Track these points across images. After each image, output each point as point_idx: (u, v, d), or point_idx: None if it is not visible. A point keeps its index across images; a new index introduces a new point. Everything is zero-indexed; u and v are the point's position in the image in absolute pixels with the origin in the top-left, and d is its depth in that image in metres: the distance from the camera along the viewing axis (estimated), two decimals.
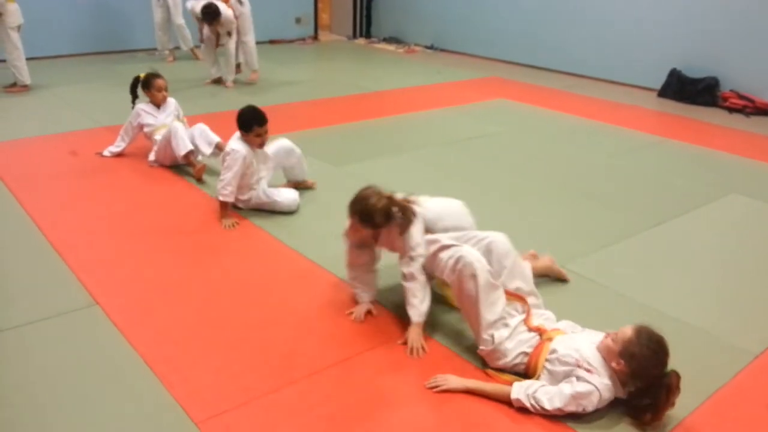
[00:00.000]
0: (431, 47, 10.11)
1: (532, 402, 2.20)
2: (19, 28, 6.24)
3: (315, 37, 10.89)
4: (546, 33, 8.59)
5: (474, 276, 2.40)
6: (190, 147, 4.33)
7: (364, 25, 11.28)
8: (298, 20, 10.64)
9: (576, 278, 3.18)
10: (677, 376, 2.16)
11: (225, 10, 6.66)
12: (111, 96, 6.45)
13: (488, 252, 2.59)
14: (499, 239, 2.65)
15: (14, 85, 6.47)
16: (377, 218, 2.63)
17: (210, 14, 6.57)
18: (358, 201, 2.66)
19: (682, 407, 2.27)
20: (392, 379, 2.40)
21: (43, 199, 3.93)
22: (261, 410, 2.21)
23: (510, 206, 4.08)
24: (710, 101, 6.95)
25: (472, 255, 2.45)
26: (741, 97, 6.77)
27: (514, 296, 2.54)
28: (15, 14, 6.15)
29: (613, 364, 2.19)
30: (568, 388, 2.19)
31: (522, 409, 2.22)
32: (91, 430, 2.11)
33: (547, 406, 2.18)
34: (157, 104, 4.61)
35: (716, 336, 2.76)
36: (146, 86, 4.58)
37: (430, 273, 2.65)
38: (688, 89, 7.09)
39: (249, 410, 2.20)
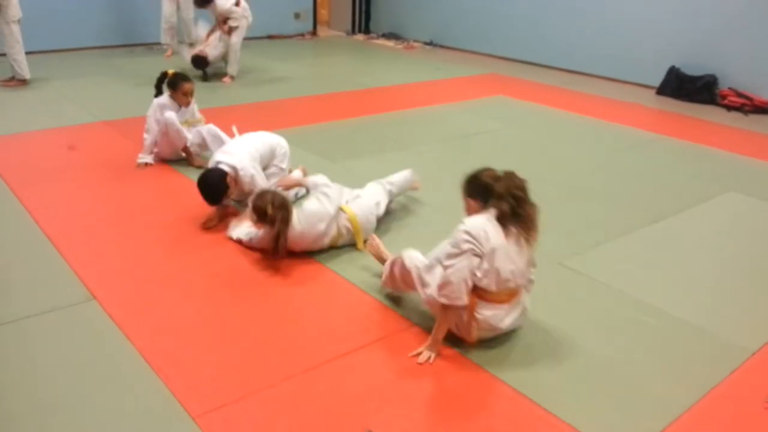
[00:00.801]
0: (430, 43, 10.10)
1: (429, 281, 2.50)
2: (19, 21, 6.22)
3: (314, 33, 10.87)
4: (545, 30, 8.58)
5: (413, 265, 2.67)
6: (189, 137, 4.32)
7: (362, 20, 11.26)
8: (296, 15, 10.62)
9: (573, 275, 3.19)
10: (511, 177, 2.51)
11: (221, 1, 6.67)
12: (110, 90, 6.44)
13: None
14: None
15: (12, 78, 6.45)
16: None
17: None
18: None
19: (678, 404, 2.29)
20: (389, 374, 2.40)
21: (40, 193, 3.92)
22: (259, 404, 2.21)
23: None
24: (708, 99, 6.96)
25: (409, 255, 2.73)
26: (739, 95, 6.77)
27: None
28: (15, 7, 6.13)
29: (472, 204, 2.52)
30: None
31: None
32: (88, 423, 2.11)
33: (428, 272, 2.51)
34: (179, 106, 4.48)
35: (713, 333, 2.77)
36: (173, 87, 4.42)
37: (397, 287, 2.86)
38: (687, 87, 7.09)
39: (246, 404, 2.21)
